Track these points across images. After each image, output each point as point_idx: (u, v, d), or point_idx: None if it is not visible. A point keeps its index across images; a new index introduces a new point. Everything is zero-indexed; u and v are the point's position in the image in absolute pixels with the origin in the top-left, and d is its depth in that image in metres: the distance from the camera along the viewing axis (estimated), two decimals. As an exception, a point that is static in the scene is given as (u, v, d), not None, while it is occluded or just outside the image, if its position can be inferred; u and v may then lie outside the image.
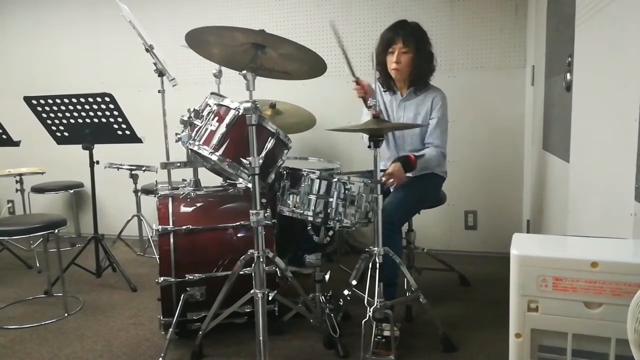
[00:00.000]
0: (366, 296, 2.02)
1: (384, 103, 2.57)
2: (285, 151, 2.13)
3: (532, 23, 3.18)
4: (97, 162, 3.05)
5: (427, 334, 2.29)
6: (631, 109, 1.35)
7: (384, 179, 2.23)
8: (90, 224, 3.17)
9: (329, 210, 2.08)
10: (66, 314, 2.67)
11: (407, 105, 2.53)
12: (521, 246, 1.20)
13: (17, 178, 3.75)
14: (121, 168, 3.52)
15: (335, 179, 2.08)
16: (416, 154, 2.39)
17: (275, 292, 2.09)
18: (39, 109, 2.85)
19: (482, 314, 2.55)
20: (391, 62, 2.43)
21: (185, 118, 2.07)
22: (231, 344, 2.28)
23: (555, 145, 2.40)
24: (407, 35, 2.40)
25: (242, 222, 2.31)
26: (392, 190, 2.47)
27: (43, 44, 4.30)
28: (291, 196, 2.14)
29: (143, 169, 3.51)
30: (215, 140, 1.96)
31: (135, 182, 3.68)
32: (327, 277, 2.30)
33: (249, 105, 1.83)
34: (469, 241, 3.60)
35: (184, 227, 2.25)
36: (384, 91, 2.58)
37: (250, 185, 1.92)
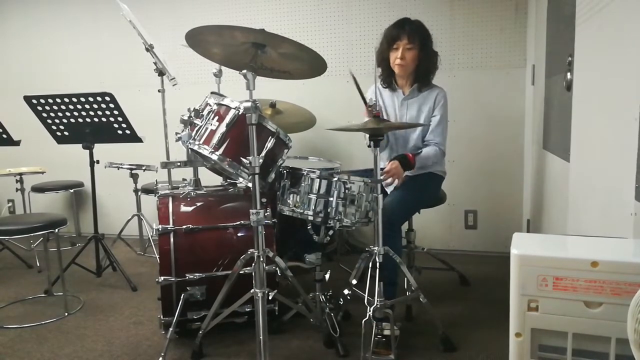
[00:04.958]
0: (366, 295, 2.02)
1: (382, 101, 2.57)
2: (286, 150, 2.13)
3: (532, 22, 3.18)
4: (97, 162, 3.05)
5: (427, 333, 2.29)
6: (631, 109, 1.35)
7: (383, 177, 2.24)
8: (91, 224, 3.17)
9: (329, 210, 2.08)
10: (66, 314, 2.67)
11: (409, 104, 2.53)
12: (521, 246, 1.20)
13: (17, 177, 3.75)
14: (121, 167, 3.52)
15: (336, 179, 2.08)
16: (415, 153, 2.40)
17: (275, 291, 2.09)
18: (39, 108, 2.84)
19: (482, 313, 2.55)
20: (395, 58, 2.43)
21: (186, 117, 2.07)
22: (231, 343, 2.28)
23: (556, 145, 2.40)
24: (412, 32, 2.41)
25: (242, 222, 2.31)
26: (389, 192, 2.48)
27: (43, 43, 4.30)
28: (291, 195, 2.14)
29: (143, 168, 3.51)
30: (215, 140, 1.96)
31: (135, 182, 3.68)
32: (327, 276, 2.30)
33: (249, 104, 1.83)
34: (469, 241, 3.60)
35: (184, 226, 2.25)
36: (384, 88, 2.58)
37: (250, 184, 1.92)
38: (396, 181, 2.37)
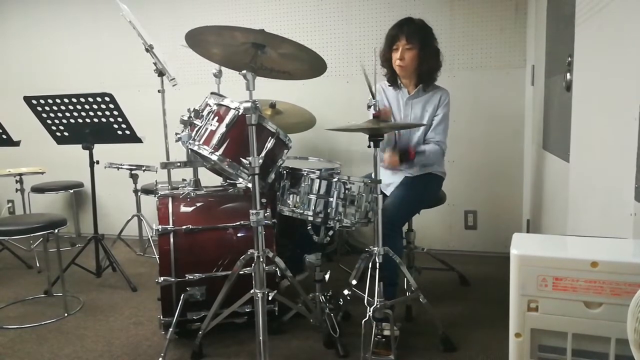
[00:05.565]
0: (366, 296, 2.02)
1: (387, 100, 2.58)
2: (285, 151, 2.13)
3: (532, 22, 3.18)
4: (97, 162, 3.05)
5: (427, 333, 2.29)
6: (631, 109, 1.35)
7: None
8: (90, 224, 3.17)
9: (329, 210, 2.08)
10: (66, 314, 2.67)
11: (414, 103, 2.54)
12: (521, 246, 1.20)
13: (17, 178, 3.75)
14: (121, 168, 3.52)
15: (335, 179, 2.08)
16: (417, 149, 2.42)
17: (275, 291, 2.09)
18: (39, 108, 2.85)
19: (482, 314, 2.54)
20: (395, 59, 2.44)
21: (185, 118, 2.07)
22: (231, 343, 2.28)
23: (555, 145, 2.40)
24: (411, 32, 2.41)
25: (242, 222, 2.31)
26: (388, 194, 2.48)
27: (43, 43, 4.30)
28: (291, 196, 2.13)
29: (143, 168, 3.51)
30: (215, 140, 1.96)
31: (135, 182, 3.68)
32: (327, 276, 2.30)
33: (248, 105, 1.83)
34: (469, 241, 3.60)
35: (184, 227, 2.25)
36: (389, 86, 2.58)
37: (250, 185, 1.92)
38: (393, 184, 2.41)
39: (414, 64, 2.45)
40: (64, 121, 2.90)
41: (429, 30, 2.48)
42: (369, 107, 2.10)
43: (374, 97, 2.06)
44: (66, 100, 2.80)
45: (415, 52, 2.43)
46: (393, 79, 2.56)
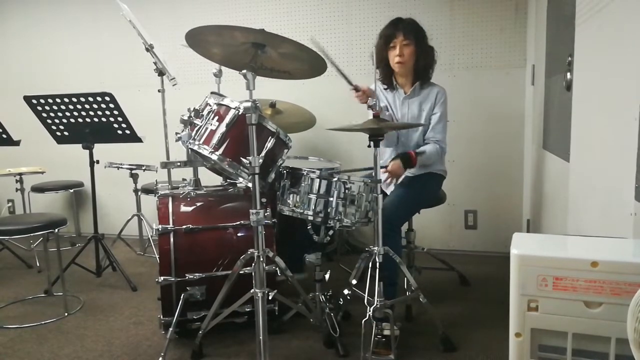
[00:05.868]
0: (366, 295, 2.02)
1: (386, 101, 2.58)
2: (285, 150, 2.13)
3: (532, 22, 3.18)
4: (97, 162, 3.05)
5: (427, 333, 2.29)
6: (631, 109, 1.35)
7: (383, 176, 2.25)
8: (90, 224, 3.17)
9: (329, 210, 2.08)
10: (66, 314, 2.67)
11: (410, 102, 2.54)
12: (521, 246, 1.20)
13: (17, 177, 3.75)
14: (121, 167, 3.52)
15: (336, 179, 2.08)
16: (417, 150, 2.41)
17: (275, 291, 2.09)
18: (39, 108, 2.85)
19: (482, 313, 2.54)
20: (394, 57, 2.45)
21: (186, 117, 2.07)
22: (231, 343, 2.28)
23: (555, 145, 2.40)
24: (407, 29, 2.43)
25: (242, 222, 2.31)
26: (388, 192, 2.48)
27: (43, 43, 4.30)
28: (291, 195, 2.13)
29: (143, 168, 3.51)
30: (215, 140, 1.96)
31: (135, 182, 3.68)
32: (327, 276, 2.30)
33: (249, 104, 1.83)
34: (469, 241, 3.60)
35: (184, 226, 2.25)
36: (385, 89, 2.58)
37: (250, 184, 1.92)
38: (394, 180, 2.39)
39: (412, 59, 2.46)
40: (64, 121, 2.90)
41: (421, 27, 2.50)
42: (369, 107, 2.10)
43: (347, 79, 2.20)
44: (66, 100, 2.80)
45: (413, 47, 2.44)
46: (388, 81, 2.56)
